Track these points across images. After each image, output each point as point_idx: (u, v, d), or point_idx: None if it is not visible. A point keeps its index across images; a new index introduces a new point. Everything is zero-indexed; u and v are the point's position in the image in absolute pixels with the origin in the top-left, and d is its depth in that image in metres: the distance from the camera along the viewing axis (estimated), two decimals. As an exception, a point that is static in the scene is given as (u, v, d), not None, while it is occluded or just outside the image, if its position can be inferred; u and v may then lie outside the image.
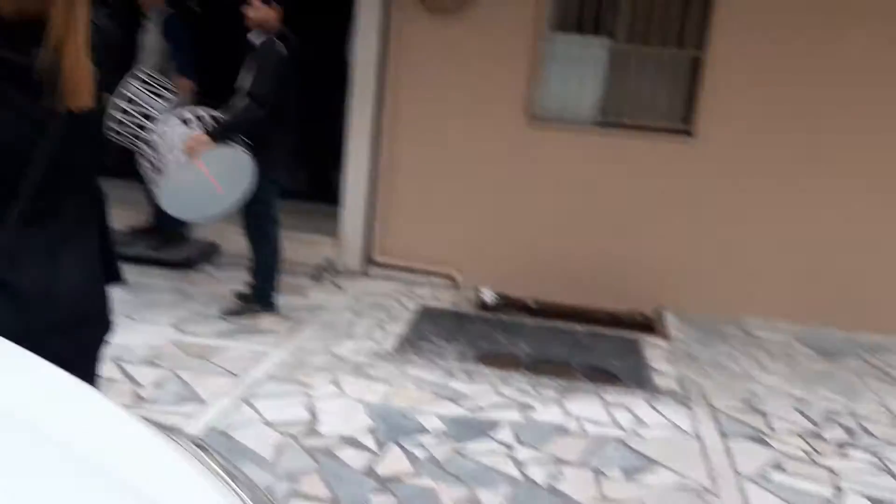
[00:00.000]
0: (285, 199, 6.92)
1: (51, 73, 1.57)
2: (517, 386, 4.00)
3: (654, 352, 4.77)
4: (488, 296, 5.55)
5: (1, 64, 1.55)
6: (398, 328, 4.70)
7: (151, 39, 5.37)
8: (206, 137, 4.03)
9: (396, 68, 5.54)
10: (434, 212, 5.69)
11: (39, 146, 1.61)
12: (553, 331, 4.99)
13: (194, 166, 4.02)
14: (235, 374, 3.79)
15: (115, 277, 1.97)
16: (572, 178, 5.53)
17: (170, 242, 5.59)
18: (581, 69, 5.48)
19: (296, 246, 5.81)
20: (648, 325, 5.34)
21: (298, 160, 6.87)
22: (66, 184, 1.71)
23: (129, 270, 4.92)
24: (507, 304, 5.55)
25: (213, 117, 4.20)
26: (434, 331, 4.73)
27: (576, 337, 4.93)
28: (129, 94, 4.33)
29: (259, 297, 4.61)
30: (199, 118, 4.17)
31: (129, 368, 3.74)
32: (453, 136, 5.58)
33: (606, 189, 5.52)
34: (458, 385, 3.94)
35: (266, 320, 4.58)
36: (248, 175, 4.23)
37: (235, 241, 5.76)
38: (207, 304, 4.77)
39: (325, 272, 5.63)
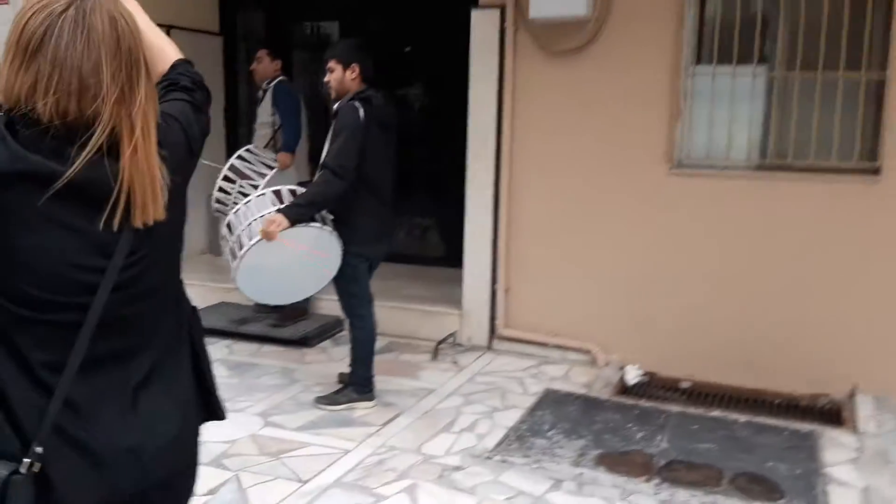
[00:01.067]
0: (415, 265, 6.72)
1: (110, 185, 1.27)
2: (640, 501, 3.20)
3: (836, 452, 3.73)
4: (632, 375, 4.74)
5: (49, 178, 1.23)
6: (510, 418, 4.05)
7: (264, 111, 5.24)
8: (280, 217, 3.67)
9: (516, 118, 4.99)
10: (566, 276, 5.01)
11: (104, 273, 1.31)
12: (704, 421, 4.09)
13: (271, 247, 3.69)
14: (302, 481, 3.34)
15: (215, 415, 1.64)
16: (730, 232, 4.62)
17: (292, 318, 5.35)
18: (733, 104, 4.61)
19: (419, 319, 5.37)
20: (832, 414, 4.26)
21: (408, 229, 6.51)
22: (141, 312, 1.40)
23: (243, 349, 4.74)
24: (654, 384, 4.70)
25: (293, 192, 3.87)
26: (553, 421, 4.02)
27: (732, 430, 4.00)
28: (227, 173, 4.13)
29: (354, 384, 4.16)
30: (277, 195, 3.86)
31: (193, 470, 3.40)
32: (583, 190, 4.90)
33: (774, 244, 4.55)
34: (562, 499, 3.21)
35: (362, 409, 4.12)
36: (334, 253, 3.84)
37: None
38: (310, 389, 4.40)
39: (441, 348, 5.10)
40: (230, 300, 5.71)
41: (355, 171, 3.78)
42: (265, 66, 5.24)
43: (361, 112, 3.82)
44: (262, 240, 3.66)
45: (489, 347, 5.22)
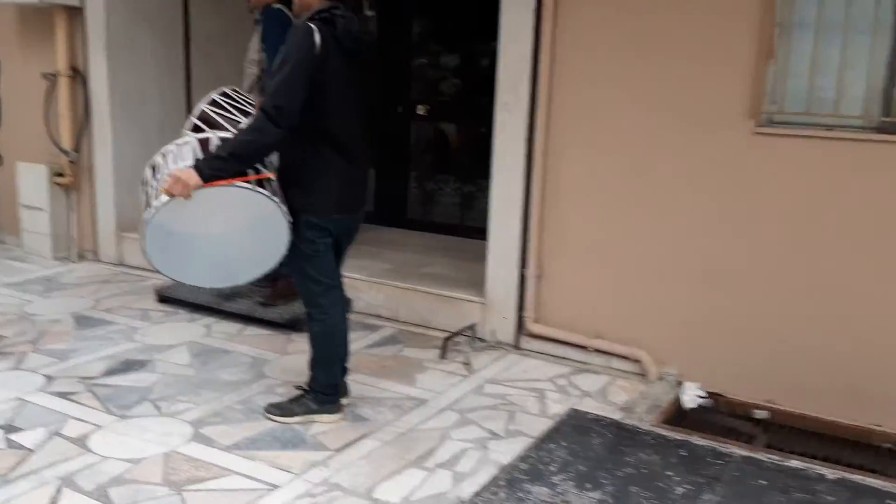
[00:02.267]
0: (453, 237, 5.73)
1: None
2: None
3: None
4: (690, 395, 3.64)
5: None
6: (509, 451, 3.05)
7: (253, 45, 4.35)
8: (188, 174, 2.75)
9: (556, 54, 3.89)
10: (614, 262, 3.91)
11: None
12: (776, 474, 2.97)
13: (185, 211, 2.80)
14: (195, 530, 2.48)
15: None
16: (836, 214, 3.41)
17: (284, 296, 4.49)
18: (847, 39, 3.36)
19: (435, 305, 4.42)
20: (969, 476, 3.05)
21: (447, 195, 5.54)
22: None
23: (222, 331, 3.49)
24: (720, 411, 3.59)
25: (223, 140, 2.95)
26: (566, 460, 3.00)
27: (814, 491, 2.86)
28: (196, 121, 3.25)
29: (314, 391, 3.26)
30: (204, 144, 2.94)
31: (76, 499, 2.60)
32: (640, 151, 3.77)
33: (896, 233, 3.32)
34: None
35: (323, 423, 3.22)
36: (276, 224, 2.92)
37: (374, 294, 4.54)
38: (273, 389, 3.54)
39: (454, 344, 4.13)
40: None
41: (302, 114, 2.83)
42: (262, -7, 4.34)
43: (317, 37, 2.84)
44: (169, 201, 2.77)
45: (516, 346, 4.20)
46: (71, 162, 5.55)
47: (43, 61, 5.50)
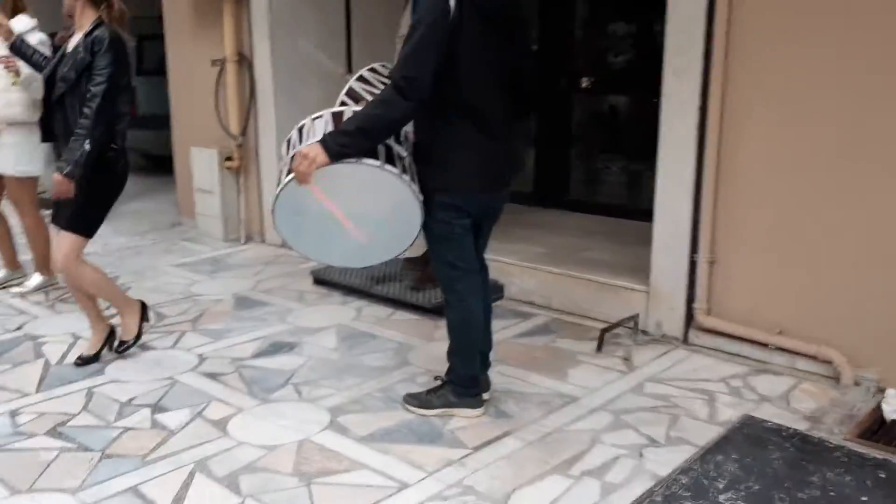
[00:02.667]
0: (617, 218, 5.27)
1: None
2: None
3: None
4: (894, 405, 3.07)
5: None
6: (669, 461, 2.68)
7: (405, 20, 4.18)
8: (315, 150, 2.57)
9: (735, 16, 3.40)
10: (801, 247, 3.39)
11: None
12: None
13: (306, 192, 2.66)
14: (315, 529, 2.34)
15: None
16: None
17: (434, 279, 4.32)
18: None
19: (595, 293, 4.09)
20: None
21: (612, 174, 5.13)
22: None
23: (371, 314, 4.07)
24: (932, 426, 3.00)
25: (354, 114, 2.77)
26: (736, 476, 2.58)
27: None
28: (344, 98, 3.13)
29: (452, 383, 3.04)
30: (336, 116, 2.77)
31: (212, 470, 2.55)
32: (839, 128, 3.22)
33: None
34: None
35: (463, 418, 3.00)
36: (408, 204, 2.71)
37: (527, 280, 4.29)
38: (415, 378, 3.38)
39: (614, 336, 3.77)
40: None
41: (435, 84, 2.58)
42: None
43: (452, 0, 2.59)
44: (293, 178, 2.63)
45: (684, 341, 3.77)
46: (238, 146, 5.69)
47: (213, 48, 5.66)
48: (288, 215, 2.75)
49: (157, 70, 7.14)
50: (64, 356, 3.68)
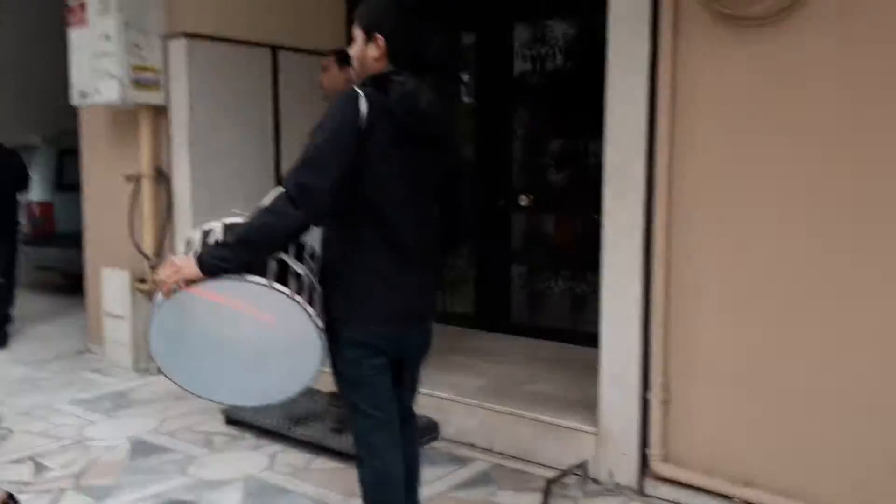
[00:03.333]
0: (570, 345, 4.89)
1: None
2: None
3: None
4: (884, 572, 2.64)
5: None
6: None
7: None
8: (185, 263, 2.17)
9: (678, 129, 3.16)
10: (769, 384, 3.02)
11: None
12: None
13: (183, 310, 2.22)
14: None
15: None
16: None
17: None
18: None
19: (538, 434, 3.65)
20: None
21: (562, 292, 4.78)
22: None
23: (288, 462, 3.46)
24: None
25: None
26: None
27: None
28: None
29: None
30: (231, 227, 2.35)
31: None
32: (804, 238, 2.93)
33: None
34: None
35: None
36: (301, 335, 2.28)
37: (466, 418, 3.83)
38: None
39: (561, 487, 3.30)
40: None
41: (338, 197, 2.22)
42: (332, 75, 3.89)
43: (363, 103, 2.23)
44: (164, 298, 2.19)
45: (640, 492, 3.33)
46: (152, 267, 5.22)
47: (129, 163, 5.28)
48: (165, 342, 2.28)
49: (77, 186, 6.72)
50: None
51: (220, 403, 2.89)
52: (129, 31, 4.88)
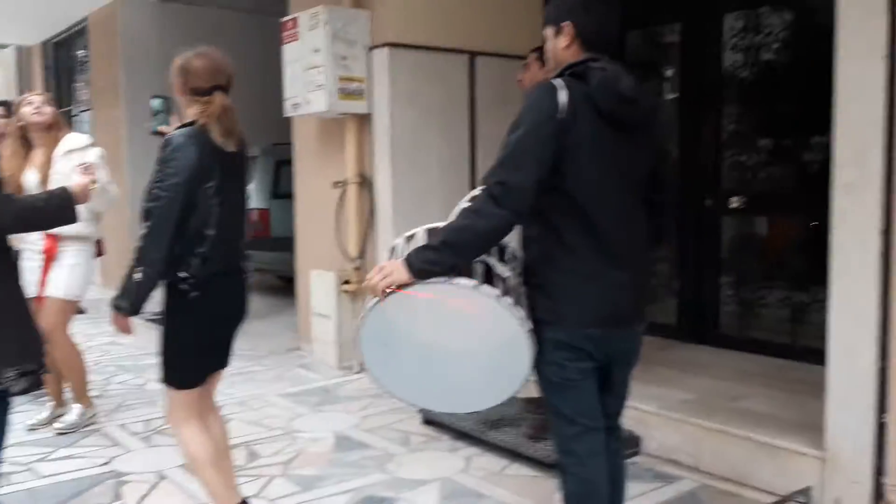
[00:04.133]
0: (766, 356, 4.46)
1: None
2: None
3: None
4: None
5: None
6: None
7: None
8: (394, 266, 2.14)
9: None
10: None
11: None
12: None
13: (391, 314, 2.21)
14: None
15: None
16: None
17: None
18: None
19: (753, 455, 3.37)
20: None
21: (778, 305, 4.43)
22: None
23: (483, 466, 3.62)
24: None
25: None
26: None
27: None
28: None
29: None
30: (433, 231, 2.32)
31: None
32: None
33: None
34: None
35: None
36: (510, 340, 2.20)
37: (669, 433, 3.63)
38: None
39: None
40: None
41: (544, 195, 2.15)
42: (534, 73, 3.82)
43: (563, 95, 2.13)
44: (377, 301, 2.19)
45: (873, 525, 2.95)
46: (356, 268, 5.43)
47: (336, 170, 5.53)
48: (376, 349, 2.30)
49: (291, 194, 7.17)
50: (142, 499, 3.35)
51: (430, 409, 2.89)
52: (337, 44, 5.11)
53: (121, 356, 5.97)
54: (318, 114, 5.33)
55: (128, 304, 2.63)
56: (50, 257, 4.11)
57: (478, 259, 2.21)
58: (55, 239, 4.12)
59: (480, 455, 3.80)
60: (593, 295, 2.23)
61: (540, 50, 3.82)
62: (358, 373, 5.37)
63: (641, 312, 2.40)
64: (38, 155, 4.13)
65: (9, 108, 4.86)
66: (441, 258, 2.12)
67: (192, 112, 2.72)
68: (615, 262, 2.24)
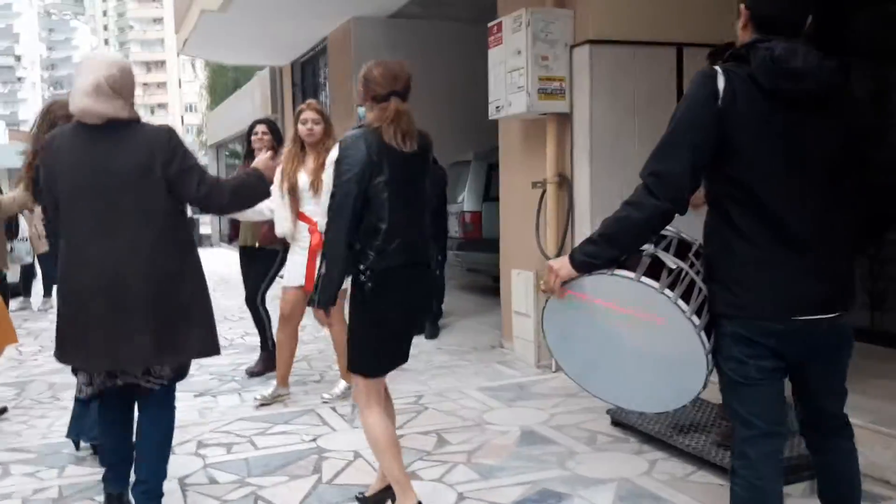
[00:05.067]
0: None
1: None
2: None
3: None
4: None
5: None
6: None
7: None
8: (560, 262, 2.27)
9: None
10: None
11: None
12: None
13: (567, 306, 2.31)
14: None
15: None
16: None
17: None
18: None
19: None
20: None
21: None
22: None
23: (669, 469, 3.53)
24: None
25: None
26: None
27: None
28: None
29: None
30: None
31: None
32: None
33: None
34: None
35: None
36: (681, 337, 2.18)
37: (879, 450, 3.33)
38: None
39: None
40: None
41: (696, 180, 2.15)
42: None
43: (721, 81, 2.08)
44: (549, 297, 2.35)
45: None
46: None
47: (537, 170, 5.59)
48: (558, 339, 2.47)
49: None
50: (337, 475, 3.64)
51: (613, 404, 2.92)
52: (538, 45, 5.17)
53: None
54: (518, 115, 5.43)
55: (320, 297, 2.86)
56: (314, 254, 4.55)
57: (647, 253, 2.26)
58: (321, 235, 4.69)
59: (667, 459, 3.68)
60: (770, 284, 2.12)
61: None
62: (555, 372, 5.39)
63: (841, 302, 2.21)
64: (310, 160, 4.69)
65: (272, 125, 5.60)
66: (600, 250, 2.22)
67: (371, 117, 2.92)
68: (796, 249, 2.12)
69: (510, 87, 5.35)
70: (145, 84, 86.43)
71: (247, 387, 5.26)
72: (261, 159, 3.19)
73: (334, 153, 2.86)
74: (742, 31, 2.20)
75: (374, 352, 2.95)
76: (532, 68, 5.17)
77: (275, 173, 3.23)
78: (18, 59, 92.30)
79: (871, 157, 2.24)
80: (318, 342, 6.53)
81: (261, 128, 5.54)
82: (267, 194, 3.16)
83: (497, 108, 5.57)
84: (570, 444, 3.97)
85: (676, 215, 2.19)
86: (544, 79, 5.22)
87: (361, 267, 2.84)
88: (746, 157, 2.09)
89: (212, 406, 4.86)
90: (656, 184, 2.12)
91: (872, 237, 2.42)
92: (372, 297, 2.85)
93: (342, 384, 4.87)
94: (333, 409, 4.69)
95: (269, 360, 5.46)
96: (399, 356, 3.07)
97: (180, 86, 78.95)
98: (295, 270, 4.72)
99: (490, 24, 5.63)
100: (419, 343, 6.37)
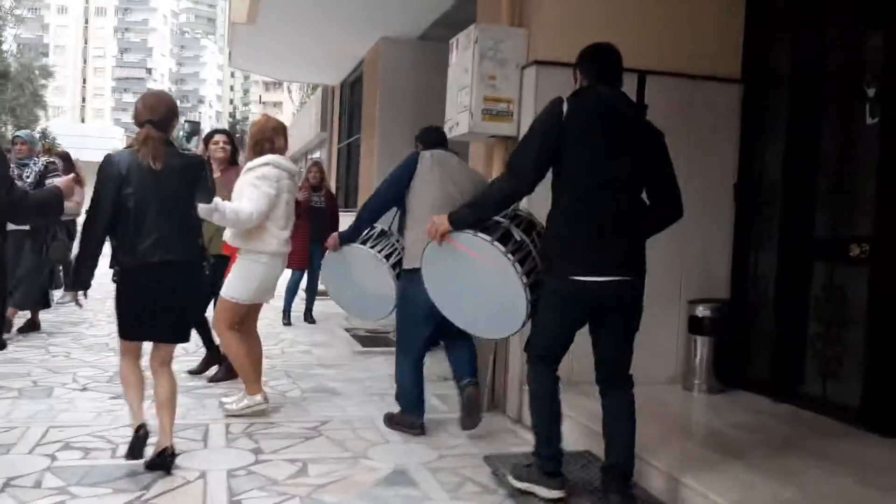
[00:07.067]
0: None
1: None
2: None
3: None
4: None
5: None
6: None
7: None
8: (441, 219, 3.38)
9: None
10: None
11: None
12: None
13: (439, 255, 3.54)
14: None
15: None
16: None
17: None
18: None
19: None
20: None
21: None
22: None
23: None
24: None
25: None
26: None
27: None
28: None
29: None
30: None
31: None
32: None
33: None
34: None
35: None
36: (509, 281, 3.30)
37: None
38: None
39: None
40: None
41: (538, 171, 3.19)
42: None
43: (565, 105, 3.13)
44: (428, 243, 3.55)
45: None
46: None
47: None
48: (431, 273, 3.68)
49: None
50: (160, 494, 3.44)
51: (461, 327, 3.78)
52: (484, 63, 4.89)
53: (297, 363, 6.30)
54: (462, 136, 5.14)
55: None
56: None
57: (503, 225, 3.38)
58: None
59: (511, 519, 3.27)
60: (569, 247, 3.14)
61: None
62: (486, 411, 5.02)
63: (625, 264, 3.13)
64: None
65: (231, 136, 5.74)
66: (470, 213, 3.34)
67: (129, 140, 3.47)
68: (602, 226, 3.09)
69: (458, 107, 5.09)
70: (263, 102, 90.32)
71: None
72: (64, 180, 3.66)
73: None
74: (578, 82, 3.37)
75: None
76: (477, 87, 4.88)
77: (73, 193, 4.09)
78: (150, 71, 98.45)
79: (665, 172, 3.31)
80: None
81: (220, 137, 5.54)
82: (60, 211, 3.58)
83: (450, 128, 5.30)
84: (430, 489, 3.62)
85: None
86: (490, 99, 4.92)
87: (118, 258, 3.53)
88: (572, 162, 3.13)
89: (116, 410, 4.75)
90: (511, 170, 3.23)
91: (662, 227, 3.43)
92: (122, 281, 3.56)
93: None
94: (227, 426, 4.51)
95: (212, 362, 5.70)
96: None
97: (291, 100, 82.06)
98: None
99: (451, 41, 5.39)
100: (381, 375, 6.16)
